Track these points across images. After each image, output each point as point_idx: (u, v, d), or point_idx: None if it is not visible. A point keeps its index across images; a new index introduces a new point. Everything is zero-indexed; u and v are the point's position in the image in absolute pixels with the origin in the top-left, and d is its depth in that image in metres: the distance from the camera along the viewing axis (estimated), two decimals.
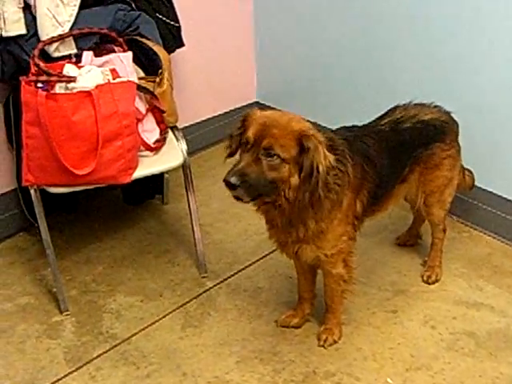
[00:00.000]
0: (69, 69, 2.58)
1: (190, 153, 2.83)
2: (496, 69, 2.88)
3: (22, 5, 2.61)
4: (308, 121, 2.20)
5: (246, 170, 2.07)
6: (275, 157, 2.07)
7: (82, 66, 2.61)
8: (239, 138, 2.19)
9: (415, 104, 2.64)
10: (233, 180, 2.05)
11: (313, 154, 2.07)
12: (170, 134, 2.85)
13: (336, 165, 2.18)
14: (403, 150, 2.53)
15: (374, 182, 2.41)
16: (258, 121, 2.12)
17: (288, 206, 2.16)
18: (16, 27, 2.62)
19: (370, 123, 2.58)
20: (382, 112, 2.63)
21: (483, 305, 2.74)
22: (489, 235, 3.15)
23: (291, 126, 2.11)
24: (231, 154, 2.25)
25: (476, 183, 3.05)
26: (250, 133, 2.10)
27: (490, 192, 3.09)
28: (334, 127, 2.53)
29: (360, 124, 2.55)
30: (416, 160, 2.58)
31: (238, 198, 2.12)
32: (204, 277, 2.96)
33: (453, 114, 2.70)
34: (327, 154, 2.11)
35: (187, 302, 2.82)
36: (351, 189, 2.31)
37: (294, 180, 2.11)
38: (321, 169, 2.07)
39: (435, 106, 2.67)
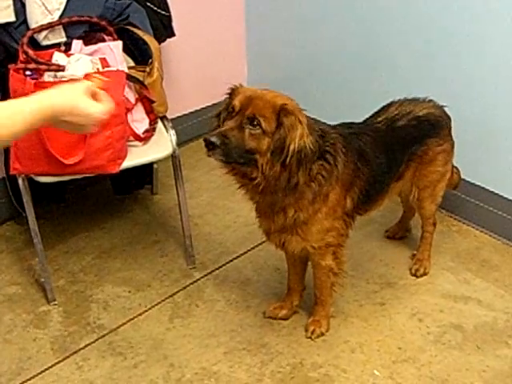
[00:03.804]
0: (58, 57, 2.56)
1: (179, 143, 2.82)
2: (487, 63, 2.88)
3: None
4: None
5: (228, 134, 2.06)
6: (257, 127, 2.06)
7: (71, 55, 2.59)
8: (226, 110, 2.17)
9: (409, 99, 2.62)
10: (213, 139, 2.03)
11: (287, 130, 2.06)
12: (160, 124, 2.83)
13: (320, 154, 2.18)
14: (399, 147, 2.52)
15: (368, 180, 2.40)
16: (245, 93, 2.13)
17: (264, 182, 2.13)
18: (5, 14, 2.59)
19: (366, 120, 2.58)
20: (376, 105, 2.62)
21: (470, 298, 2.75)
22: (477, 229, 3.16)
23: (274, 100, 2.10)
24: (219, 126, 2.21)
25: (465, 177, 3.06)
26: (236, 101, 2.10)
27: (479, 186, 3.10)
28: (326, 120, 2.53)
29: (356, 119, 2.55)
30: (411, 156, 2.58)
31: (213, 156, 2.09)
32: (192, 268, 2.96)
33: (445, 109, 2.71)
34: (306, 134, 2.09)
35: (175, 293, 2.82)
36: (340, 184, 2.30)
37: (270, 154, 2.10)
38: (291, 147, 2.06)
39: (429, 101, 2.66)
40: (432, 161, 2.64)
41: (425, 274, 2.88)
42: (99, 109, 1.57)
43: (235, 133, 2.06)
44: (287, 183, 2.13)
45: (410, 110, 2.57)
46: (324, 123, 2.33)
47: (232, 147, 2.05)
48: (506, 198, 3.01)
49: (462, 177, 3.01)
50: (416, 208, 2.83)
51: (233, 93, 2.18)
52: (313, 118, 2.23)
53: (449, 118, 2.70)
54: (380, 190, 2.53)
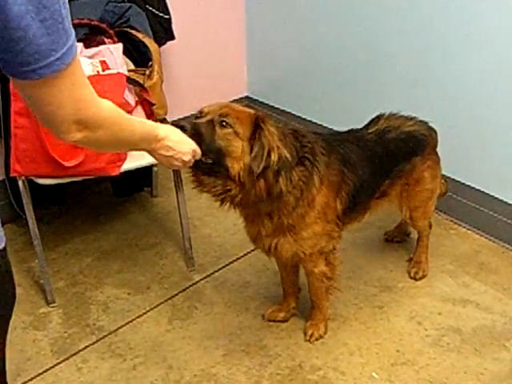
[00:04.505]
0: None
1: None
2: (485, 64, 2.89)
3: None
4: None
5: (199, 126, 2.00)
6: (228, 127, 2.02)
7: None
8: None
9: (395, 115, 2.62)
10: (183, 123, 1.96)
11: (268, 137, 2.03)
12: None
13: (299, 159, 2.16)
14: (387, 159, 2.51)
15: (354, 185, 2.38)
16: (216, 103, 2.11)
17: (241, 194, 2.09)
18: None
19: (355, 131, 2.58)
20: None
21: (469, 301, 2.76)
22: (476, 232, 3.17)
23: (248, 110, 2.11)
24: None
25: (464, 181, 3.07)
26: (205, 108, 2.08)
27: (478, 190, 3.10)
28: (323, 123, 2.54)
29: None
30: (398, 173, 2.57)
31: None
32: (191, 270, 2.97)
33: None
34: (280, 145, 2.06)
35: (174, 295, 2.82)
36: (326, 185, 2.28)
37: (247, 160, 2.04)
38: (272, 156, 2.03)
39: (413, 118, 2.65)
40: (419, 180, 2.64)
41: (423, 276, 2.88)
42: (192, 142, 1.88)
43: (206, 127, 2.01)
44: (267, 194, 2.09)
45: (399, 125, 2.57)
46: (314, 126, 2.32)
47: (202, 140, 1.97)
48: (504, 202, 3.02)
49: (462, 180, 3.02)
50: (409, 224, 2.85)
51: (201, 112, 2.11)
52: (307, 120, 2.22)
53: (434, 133, 2.70)
54: (364, 200, 2.50)
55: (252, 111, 2.10)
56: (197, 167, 2.03)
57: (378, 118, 2.61)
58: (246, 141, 2.03)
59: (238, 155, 2.03)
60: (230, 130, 2.03)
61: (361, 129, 2.59)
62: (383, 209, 2.70)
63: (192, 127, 1.97)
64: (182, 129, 1.93)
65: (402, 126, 2.58)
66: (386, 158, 2.51)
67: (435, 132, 2.70)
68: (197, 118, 2.09)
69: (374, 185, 2.50)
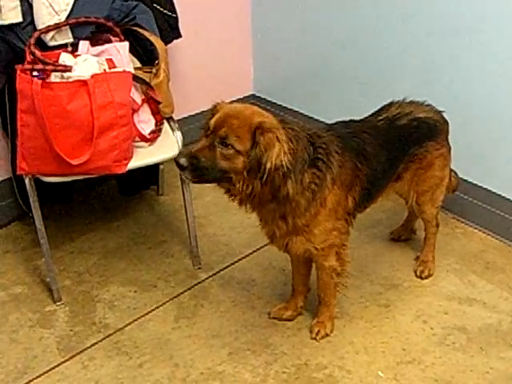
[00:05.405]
0: (65, 58, 2.56)
1: (185, 144, 2.82)
2: (489, 63, 2.88)
3: None
4: (281, 117, 2.19)
5: (197, 154, 2.09)
6: (229, 147, 2.07)
7: (78, 55, 2.60)
8: (204, 128, 2.19)
9: (409, 101, 2.63)
10: (181, 161, 2.08)
11: (263, 148, 2.04)
12: (166, 125, 2.84)
13: (312, 161, 2.18)
14: (400, 146, 2.52)
15: (368, 178, 2.40)
16: (223, 110, 2.13)
17: (246, 198, 2.17)
18: (12, 15, 2.60)
19: (366, 118, 2.58)
20: (379, 103, 2.63)
21: (475, 300, 2.75)
22: (482, 232, 3.16)
23: (251, 118, 2.09)
24: None
25: (470, 180, 3.06)
26: (212, 120, 2.12)
27: (485, 189, 3.10)
28: (330, 121, 2.53)
29: (357, 118, 2.55)
30: (411, 157, 2.58)
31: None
32: (198, 268, 2.97)
33: (446, 113, 2.70)
34: (284, 152, 2.06)
35: (180, 294, 2.82)
36: (339, 185, 2.29)
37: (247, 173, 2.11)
38: (268, 165, 2.04)
39: (428, 105, 2.66)
40: (430, 165, 2.64)
41: (429, 275, 2.88)
42: None
43: (206, 153, 2.09)
44: (273, 197, 2.14)
45: (411, 111, 2.57)
46: (319, 123, 2.32)
47: (202, 168, 2.09)
48: (511, 201, 3.01)
49: (468, 179, 3.01)
50: (417, 212, 2.83)
51: (214, 109, 2.18)
52: (313, 118, 2.21)
53: (446, 123, 2.70)
54: (380, 188, 2.53)
55: (255, 120, 2.08)
56: (202, 182, 2.16)
57: (390, 104, 2.61)
58: (245, 155, 2.08)
59: (240, 170, 2.09)
60: (232, 151, 2.07)
61: (371, 116, 2.59)
62: (394, 194, 2.72)
63: (190, 163, 2.09)
64: (181, 168, 2.09)
65: (414, 112, 2.57)
66: (400, 144, 2.51)
67: (448, 123, 2.70)
68: (205, 131, 2.15)
69: (388, 172, 2.52)
